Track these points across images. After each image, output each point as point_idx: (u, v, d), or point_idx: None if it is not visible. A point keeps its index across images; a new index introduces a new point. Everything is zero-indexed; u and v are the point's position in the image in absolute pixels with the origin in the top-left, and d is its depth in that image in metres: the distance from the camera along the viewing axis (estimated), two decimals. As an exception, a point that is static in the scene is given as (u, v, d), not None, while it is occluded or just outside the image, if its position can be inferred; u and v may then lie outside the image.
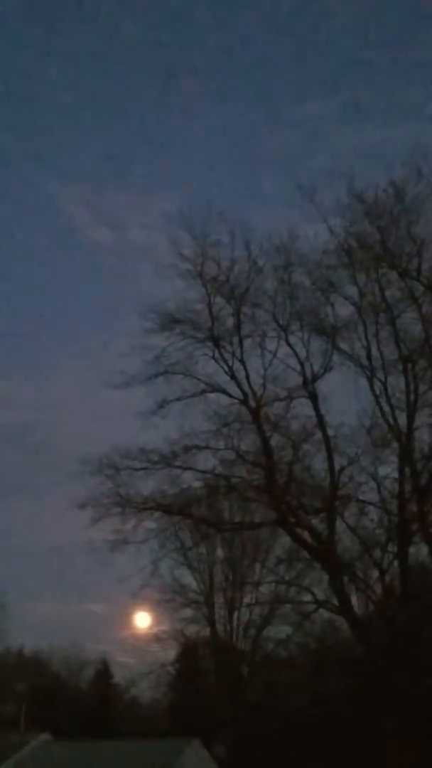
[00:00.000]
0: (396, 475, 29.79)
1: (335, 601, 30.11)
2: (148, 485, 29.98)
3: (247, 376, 29.83)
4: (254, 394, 29.72)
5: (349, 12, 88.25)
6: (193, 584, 50.39)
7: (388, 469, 30.38)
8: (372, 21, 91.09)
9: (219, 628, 50.60)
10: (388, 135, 70.38)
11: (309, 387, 29.84)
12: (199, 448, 29.73)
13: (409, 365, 29.41)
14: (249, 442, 30.44)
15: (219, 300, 29.91)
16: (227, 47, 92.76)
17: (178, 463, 29.83)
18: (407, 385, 29.45)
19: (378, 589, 30.82)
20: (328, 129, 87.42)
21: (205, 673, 53.66)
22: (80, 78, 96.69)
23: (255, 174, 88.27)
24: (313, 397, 29.85)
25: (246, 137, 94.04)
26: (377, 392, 29.59)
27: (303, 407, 30.21)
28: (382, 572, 30.46)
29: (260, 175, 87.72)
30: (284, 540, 35.73)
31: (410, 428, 29.32)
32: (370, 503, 30.73)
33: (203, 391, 29.92)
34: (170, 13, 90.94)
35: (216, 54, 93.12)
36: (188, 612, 50.18)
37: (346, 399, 30.48)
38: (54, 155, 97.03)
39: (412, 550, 29.83)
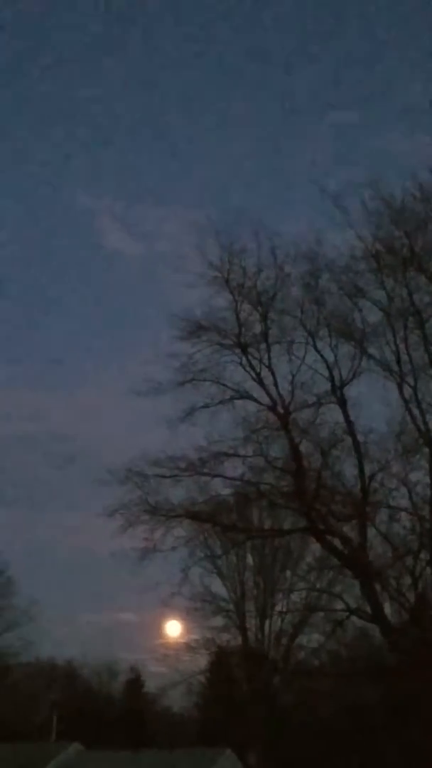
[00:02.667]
0: (427, 480, 29.46)
1: (367, 609, 29.82)
2: (176, 493, 29.97)
3: (275, 383, 29.72)
4: (282, 400, 29.58)
5: (379, 22, 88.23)
6: (224, 592, 50.23)
7: (419, 475, 30.04)
8: (402, 31, 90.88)
9: (250, 636, 50.39)
10: (416, 143, 70.11)
11: (338, 393, 29.66)
12: (227, 455, 29.64)
13: (439, 369, 29.14)
14: (278, 449, 30.30)
15: (246, 307, 29.89)
16: (254, 56, 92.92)
17: (206, 471, 29.76)
18: (437, 389, 29.19)
19: (411, 596, 30.50)
20: (356, 137, 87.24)
21: (236, 682, 53.37)
22: (109, 91, 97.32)
23: (283, 183, 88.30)
24: (342, 403, 29.67)
25: (274, 146, 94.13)
26: (407, 397, 29.32)
27: (332, 413, 30.07)
28: (415, 579, 30.15)
29: (288, 184, 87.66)
30: (315, 547, 35.54)
31: (441, 433, 29.04)
32: (401, 509, 30.42)
33: (231, 398, 29.87)
34: (196, 20, 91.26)
35: (243, 62, 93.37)
36: (219, 620, 49.99)
37: (375, 404, 30.31)
38: (84, 169, 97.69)
39: (445, 556, 29.55)
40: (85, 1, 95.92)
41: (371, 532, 29.76)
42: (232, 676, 53.67)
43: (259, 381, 29.74)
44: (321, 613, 40.55)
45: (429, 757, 27.84)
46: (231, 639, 51.03)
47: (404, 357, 29.23)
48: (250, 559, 49.92)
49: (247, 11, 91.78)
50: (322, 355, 29.82)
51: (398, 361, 29.32)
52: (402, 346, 29.30)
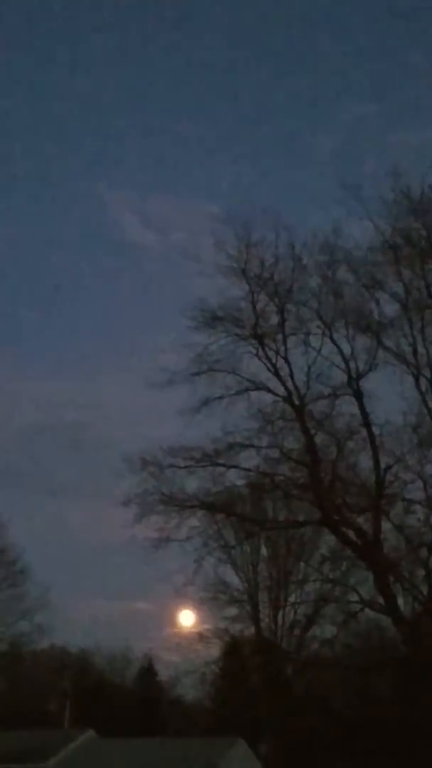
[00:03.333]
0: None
1: (381, 601, 29.90)
2: (191, 483, 30.10)
3: (291, 374, 29.75)
4: (298, 391, 29.60)
5: (401, 13, 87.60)
6: (237, 583, 50.23)
7: (435, 468, 30.06)
8: (419, 22, 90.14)
9: (263, 627, 50.44)
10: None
11: (354, 385, 29.65)
12: (242, 446, 29.71)
13: (456, 362, 29.06)
14: (293, 440, 30.37)
15: (263, 297, 29.92)
16: (274, 46, 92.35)
17: (221, 461, 29.86)
18: (454, 382, 29.11)
19: (424, 588, 30.50)
20: (376, 129, 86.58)
21: (249, 672, 53.49)
22: (126, 83, 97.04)
23: (302, 176, 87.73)
24: (358, 395, 29.65)
25: (293, 139, 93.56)
26: (423, 390, 29.29)
27: (348, 405, 30.11)
28: (429, 572, 30.15)
29: (307, 177, 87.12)
30: (329, 538, 35.50)
31: (457, 426, 28.98)
32: (416, 502, 30.44)
33: (247, 389, 29.89)
34: (214, 10, 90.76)
35: (262, 55, 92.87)
36: (232, 610, 49.99)
37: (391, 397, 30.24)
38: (102, 159, 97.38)
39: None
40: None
41: (386, 524, 29.83)
42: (245, 666, 53.78)
43: (275, 372, 29.75)
44: (334, 605, 40.61)
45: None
46: (244, 629, 51.15)
47: (421, 350, 29.22)
48: (263, 550, 49.95)
49: (266, 5, 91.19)
50: (338, 347, 29.85)
51: (415, 354, 29.28)
52: (419, 339, 29.30)
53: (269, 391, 29.87)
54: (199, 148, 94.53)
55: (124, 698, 63.78)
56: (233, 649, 52.83)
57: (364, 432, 29.74)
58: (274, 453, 30.20)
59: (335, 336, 29.81)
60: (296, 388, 29.63)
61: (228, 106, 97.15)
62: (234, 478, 30.39)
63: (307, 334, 29.94)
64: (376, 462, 29.32)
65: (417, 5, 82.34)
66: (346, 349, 29.79)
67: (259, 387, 29.89)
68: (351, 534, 29.59)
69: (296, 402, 29.43)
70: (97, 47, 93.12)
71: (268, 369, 29.81)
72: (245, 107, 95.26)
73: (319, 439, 29.91)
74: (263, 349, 29.71)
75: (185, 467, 29.82)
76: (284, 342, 29.77)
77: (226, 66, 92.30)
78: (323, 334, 29.82)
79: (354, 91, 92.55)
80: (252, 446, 29.82)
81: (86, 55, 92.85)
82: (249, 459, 30.17)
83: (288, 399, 29.57)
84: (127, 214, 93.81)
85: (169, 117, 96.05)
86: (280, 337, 29.80)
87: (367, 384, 29.85)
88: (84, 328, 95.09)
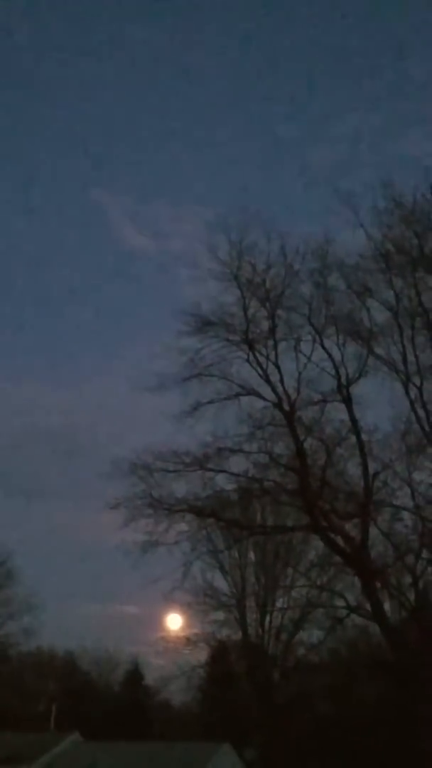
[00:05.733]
0: (431, 480, 29.61)
1: (368, 607, 29.96)
2: (180, 487, 30.07)
3: (282, 380, 29.76)
4: (288, 397, 29.64)
5: (400, 26, 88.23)
6: (225, 587, 50.31)
7: (423, 475, 30.18)
8: (412, 36, 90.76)
9: (250, 631, 50.43)
10: (428, 146, 70.02)
11: (343, 391, 29.69)
12: (232, 451, 29.71)
13: (445, 370, 29.14)
14: (282, 446, 30.39)
15: (254, 303, 29.94)
16: (272, 58, 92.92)
17: (210, 466, 29.82)
18: (443, 390, 29.20)
19: (411, 595, 30.63)
20: (371, 140, 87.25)
21: (236, 676, 53.50)
22: (125, 91, 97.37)
23: (297, 185, 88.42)
24: (348, 402, 29.70)
25: (290, 149, 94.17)
26: (412, 397, 29.34)
27: (337, 411, 30.14)
28: (416, 578, 30.30)
29: (302, 187, 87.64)
30: (317, 544, 35.63)
31: (446, 433, 29.08)
32: (404, 509, 30.53)
33: (237, 394, 29.90)
34: (215, 26, 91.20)
35: (260, 64, 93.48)
36: (220, 615, 50.08)
37: (380, 404, 30.35)
38: (99, 166, 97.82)
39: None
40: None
41: (373, 530, 29.86)
42: (232, 670, 53.80)
43: (266, 378, 29.78)
44: (321, 610, 40.76)
45: (427, 754, 27.96)
46: (231, 634, 51.19)
47: (411, 357, 29.25)
48: (252, 555, 50.01)
49: (267, 16, 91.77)
50: (329, 353, 29.89)
51: (405, 361, 29.33)
52: (409, 347, 29.32)
53: (259, 396, 29.92)
54: (196, 156, 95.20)
55: (110, 701, 63.75)
56: (220, 653, 52.86)
57: (353, 438, 29.81)
58: (264, 458, 30.23)
59: (326, 342, 29.88)
60: (286, 393, 29.68)
61: (226, 116, 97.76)
62: (223, 483, 30.42)
63: (298, 340, 29.99)
64: (365, 468, 29.37)
65: (414, 18, 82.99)
66: (337, 356, 29.89)
67: (250, 392, 29.93)
68: (339, 540, 29.62)
69: (286, 408, 29.48)
70: (97, 57, 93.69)
71: (259, 374, 29.86)
72: (243, 116, 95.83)
73: (309, 444, 29.96)
74: (254, 354, 29.77)
75: (174, 471, 29.82)
76: (275, 348, 29.83)
77: (226, 76, 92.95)
78: (314, 340, 29.89)
79: (351, 102, 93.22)
80: (241, 451, 29.83)
81: (86, 64, 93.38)
82: (238, 464, 30.21)
83: (278, 405, 29.62)
84: (123, 220, 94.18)
85: (167, 125, 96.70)
86: (270, 342, 29.84)
87: (357, 390, 29.95)
88: (75, 332, 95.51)
